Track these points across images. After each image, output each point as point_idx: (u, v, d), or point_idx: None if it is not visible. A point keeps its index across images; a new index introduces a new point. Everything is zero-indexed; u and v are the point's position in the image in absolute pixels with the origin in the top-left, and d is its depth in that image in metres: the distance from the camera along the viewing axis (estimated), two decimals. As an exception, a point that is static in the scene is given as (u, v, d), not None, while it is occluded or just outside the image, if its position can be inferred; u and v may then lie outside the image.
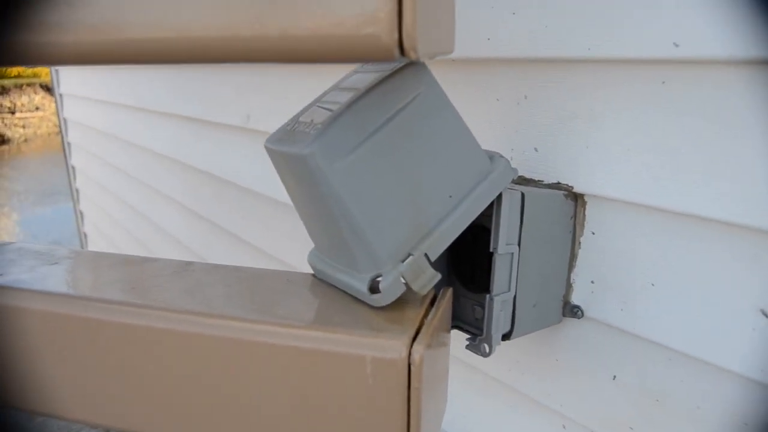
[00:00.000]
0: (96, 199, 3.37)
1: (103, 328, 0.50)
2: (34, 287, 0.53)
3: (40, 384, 0.54)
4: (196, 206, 1.89)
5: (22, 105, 15.17)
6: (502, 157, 0.57)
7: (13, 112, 14.81)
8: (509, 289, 0.62)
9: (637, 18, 0.58)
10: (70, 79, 3.37)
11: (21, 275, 0.56)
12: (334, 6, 0.35)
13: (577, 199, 0.68)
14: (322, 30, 0.35)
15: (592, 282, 0.68)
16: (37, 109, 15.30)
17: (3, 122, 14.18)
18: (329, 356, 0.45)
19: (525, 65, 0.71)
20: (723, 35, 0.52)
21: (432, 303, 0.52)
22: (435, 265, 0.52)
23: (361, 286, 0.50)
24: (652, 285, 0.63)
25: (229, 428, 0.49)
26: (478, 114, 0.78)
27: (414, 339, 0.44)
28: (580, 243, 0.69)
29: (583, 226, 0.68)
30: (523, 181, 0.73)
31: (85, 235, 3.92)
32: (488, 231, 0.60)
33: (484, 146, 0.56)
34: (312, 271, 0.59)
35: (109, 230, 3.20)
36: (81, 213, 3.86)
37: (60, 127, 3.82)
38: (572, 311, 0.70)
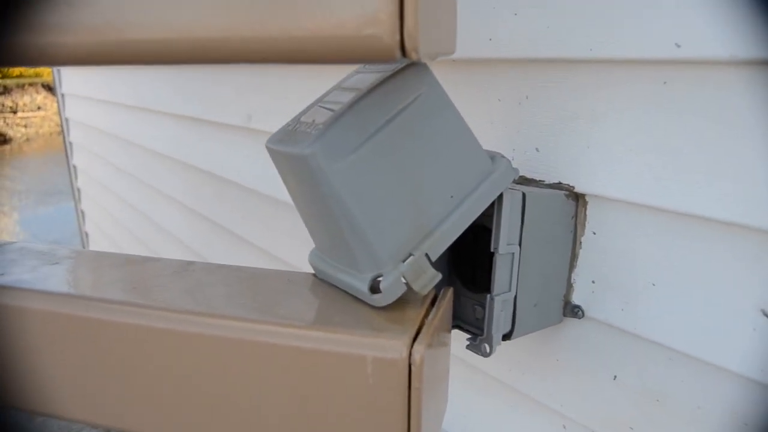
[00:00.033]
0: (97, 199, 3.37)
1: (104, 328, 0.50)
2: (36, 287, 0.53)
3: (40, 384, 0.54)
4: (197, 206, 1.89)
5: (24, 104, 15.18)
6: (503, 157, 0.57)
7: (15, 112, 14.83)
8: (510, 289, 0.62)
9: (639, 18, 0.58)
10: (72, 78, 3.38)
11: (23, 275, 0.56)
12: (335, 7, 0.35)
13: (578, 199, 0.68)
14: (324, 31, 0.35)
15: (593, 282, 0.68)
16: (39, 108, 15.32)
17: (5, 122, 14.20)
18: (330, 356, 0.45)
19: (526, 65, 0.71)
20: (724, 36, 0.52)
21: (433, 303, 0.52)
22: (436, 265, 0.52)
23: (362, 286, 0.50)
24: (653, 285, 0.63)
25: (230, 428, 0.49)
26: (479, 114, 0.78)
27: (414, 339, 0.44)
28: (581, 243, 0.69)
29: (584, 226, 0.68)
30: (524, 181, 0.73)
31: (87, 235, 3.93)
32: (489, 231, 0.60)
33: (486, 146, 0.56)
34: (313, 271, 0.59)
35: (111, 230, 3.20)
36: (82, 212, 3.87)
37: (62, 126, 3.83)
38: (573, 311, 0.70)
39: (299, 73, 1.20)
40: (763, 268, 0.54)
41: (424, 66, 0.50)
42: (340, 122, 0.47)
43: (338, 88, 0.55)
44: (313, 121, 0.50)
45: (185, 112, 1.79)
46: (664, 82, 0.58)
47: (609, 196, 0.65)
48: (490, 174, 0.55)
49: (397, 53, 0.35)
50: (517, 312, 0.64)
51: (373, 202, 0.48)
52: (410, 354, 0.43)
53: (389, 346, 0.43)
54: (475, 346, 0.62)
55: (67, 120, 3.69)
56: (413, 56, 0.35)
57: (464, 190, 0.53)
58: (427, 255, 0.51)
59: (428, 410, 0.46)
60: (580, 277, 0.70)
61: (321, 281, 0.57)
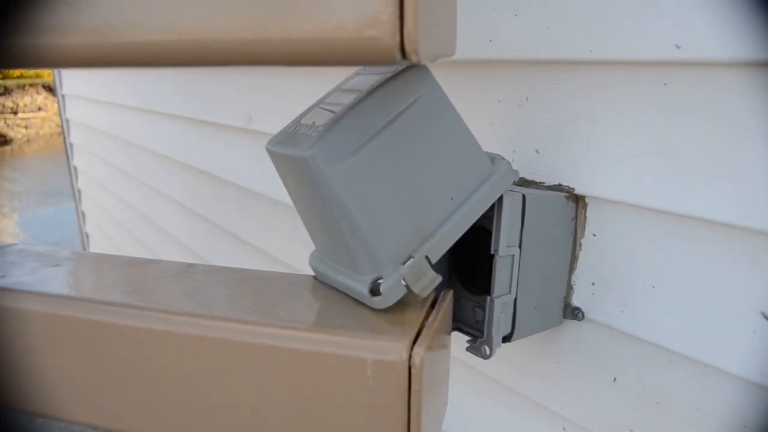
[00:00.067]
0: (98, 200, 3.37)
1: (105, 330, 0.50)
2: (36, 289, 0.53)
3: (41, 385, 0.54)
4: (196, 207, 1.89)
5: (25, 105, 15.19)
6: (503, 159, 0.57)
7: (15, 113, 14.84)
8: (510, 291, 0.62)
9: (639, 20, 0.58)
10: (72, 80, 3.38)
11: (23, 277, 0.56)
12: (336, 9, 0.35)
13: (578, 200, 0.68)
14: (324, 33, 0.35)
15: (593, 284, 0.68)
16: (39, 109, 15.33)
17: (5, 122, 14.21)
18: (330, 358, 0.45)
19: (526, 67, 0.71)
20: (724, 37, 0.52)
21: (433, 305, 0.52)
22: (436, 267, 0.52)
23: (362, 289, 0.50)
24: (653, 287, 0.63)
25: (230, 430, 0.49)
26: (479, 115, 0.78)
27: (414, 341, 0.44)
28: (581, 245, 0.69)
29: (584, 227, 0.68)
30: (524, 182, 0.73)
31: (87, 236, 3.93)
32: (489, 233, 0.60)
33: (486, 148, 0.56)
34: (313, 273, 0.59)
35: (111, 231, 3.20)
36: (83, 213, 3.87)
37: (62, 127, 3.83)
38: (573, 313, 0.70)
39: (300, 73, 1.20)
40: (762, 270, 0.54)
41: (425, 68, 0.50)
42: (340, 124, 0.47)
43: (339, 89, 0.55)
44: (313, 123, 0.50)
45: (185, 112, 1.79)
46: (664, 84, 0.58)
47: (609, 197, 0.65)
48: (491, 176, 0.55)
49: (397, 55, 0.35)
50: (517, 314, 0.64)
51: (374, 204, 0.48)
52: (410, 356, 0.43)
53: (389, 348, 0.43)
54: (475, 348, 0.62)
55: (67, 121, 3.70)
56: (413, 58, 0.35)
57: (464, 192, 0.53)
58: (427, 257, 0.51)
59: (428, 412, 0.46)
60: (580, 279, 0.70)
61: (321, 283, 0.57)
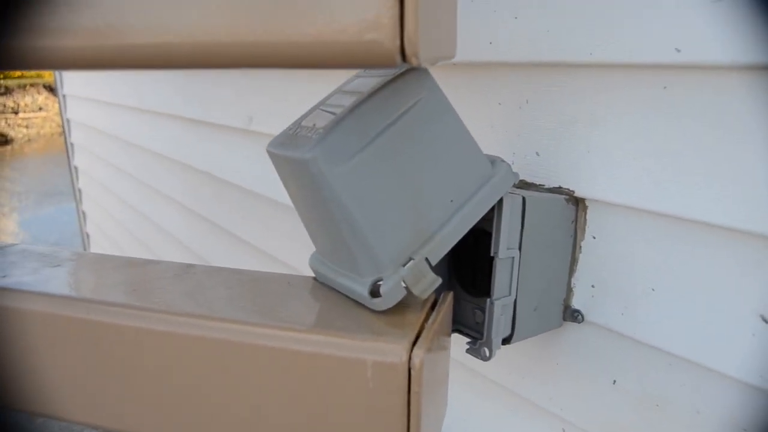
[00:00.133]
0: (99, 200, 3.37)
1: (105, 331, 0.50)
2: (37, 289, 0.54)
3: (41, 385, 0.54)
4: (197, 207, 1.89)
5: (26, 105, 15.20)
6: (503, 161, 0.57)
7: (16, 112, 14.85)
8: (510, 293, 0.62)
9: (639, 23, 0.58)
10: (73, 80, 3.39)
11: (24, 277, 0.56)
12: (336, 12, 0.35)
13: (578, 203, 0.68)
14: (324, 36, 0.35)
15: (593, 286, 0.69)
16: (40, 109, 15.34)
17: (6, 122, 14.22)
18: (330, 360, 0.45)
19: (527, 69, 0.71)
20: (725, 41, 0.52)
21: (433, 307, 0.52)
22: (436, 269, 0.52)
23: (362, 290, 0.50)
24: (653, 290, 0.63)
25: (229, 430, 0.49)
26: (480, 118, 0.78)
27: (414, 343, 0.44)
28: (581, 247, 0.69)
29: (584, 230, 0.69)
30: (524, 185, 0.73)
31: (88, 236, 3.93)
32: (489, 235, 0.60)
33: (486, 150, 0.56)
34: (313, 275, 0.59)
35: (112, 231, 3.20)
36: (84, 213, 3.87)
37: (63, 127, 3.84)
38: (573, 315, 0.70)
39: (300, 75, 1.21)
40: (762, 273, 0.54)
41: (425, 70, 0.50)
42: (341, 126, 0.47)
43: (339, 91, 0.55)
44: (314, 125, 0.50)
45: (186, 113, 1.79)
46: (664, 87, 0.58)
47: (609, 200, 0.65)
48: (491, 178, 0.55)
49: (398, 58, 0.35)
50: (517, 316, 0.64)
51: (374, 206, 0.48)
52: (410, 358, 0.43)
53: (389, 350, 0.43)
54: (474, 350, 0.62)
55: (68, 121, 3.70)
56: (413, 61, 0.35)
57: (464, 195, 0.54)
58: (427, 259, 0.51)
59: (428, 414, 0.46)
60: (580, 281, 0.70)
61: (321, 285, 0.57)
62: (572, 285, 0.70)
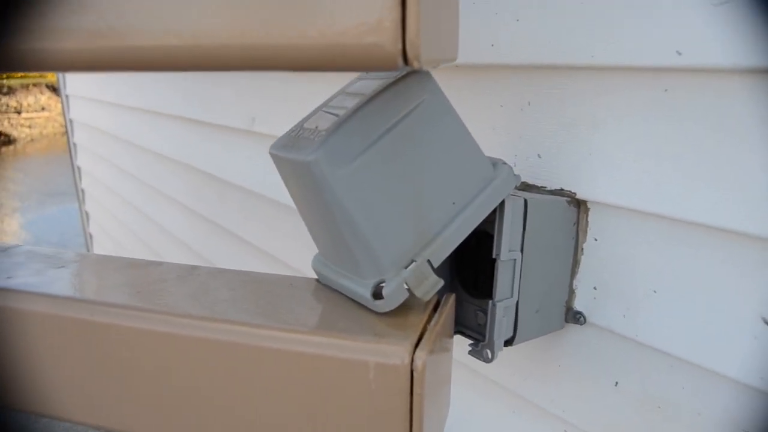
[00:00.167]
0: (101, 200, 3.38)
1: (109, 332, 0.51)
2: (42, 290, 0.54)
3: (45, 386, 0.54)
4: (199, 207, 1.90)
5: (29, 105, 15.23)
6: (505, 163, 0.57)
7: (19, 112, 14.88)
8: (512, 295, 0.62)
9: (640, 26, 0.58)
10: (76, 80, 3.39)
11: (29, 278, 0.56)
12: (338, 15, 0.35)
13: (579, 205, 0.69)
14: (326, 39, 0.35)
15: (595, 288, 0.69)
16: (43, 109, 15.36)
17: (9, 122, 14.25)
18: (332, 361, 0.45)
19: (529, 71, 0.72)
20: (725, 44, 0.52)
21: (435, 309, 0.52)
22: (438, 270, 0.52)
23: (365, 292, 0.50)
24: (654, 292, 0.63)
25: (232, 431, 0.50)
26: (482, 120, 0.78)
27: (417, 345, 0.44)
28: (582, 249, 0.69)
29: (585, 232, 0.69)
30: (526, 187, 0.73)
31: (91, 236, 3.94)
32: (492, 237, 0.60)
33: (488, 152, 0.56)
34: (316, 276, 0.59)
35: (115, 231, 3.21)
36: (86, 214, 3.88)
37: (66, 127, 3.84)
38: (575, 317, 0.70)
39: (303, 76, 1.21)
40: (763, 275, 0.54)
41: (427, 73, 0.51)
42: (343, 129, 0.47)
43: (343, 92, 0.55)
44: (316, 127, 0.50)
45: (188, 114, 1.79)
46: (665, 90, 0.58)
47: (610, 202, 0.65)
48: (492, 180, 0.55)
49: (400, 61, 0.35)
50: (519, 318, 0.64)
51: (376, 208, 0.49)
52: (412, 360, 0.43)
53: (391, 351, 0.44)
54: (477, 351, 0.63)
55: (71, 121, 3.71)
56: (415, 64, 0.36)
57: (466, 197, 0.54)
58: (429, 261, 0.51)
59: (430, 415, 0.46)
60: (581, 283, 0.70)
61: (324, 286, 0.57)
62: (574, 287, 0.71)
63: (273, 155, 0.53)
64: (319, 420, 0.46)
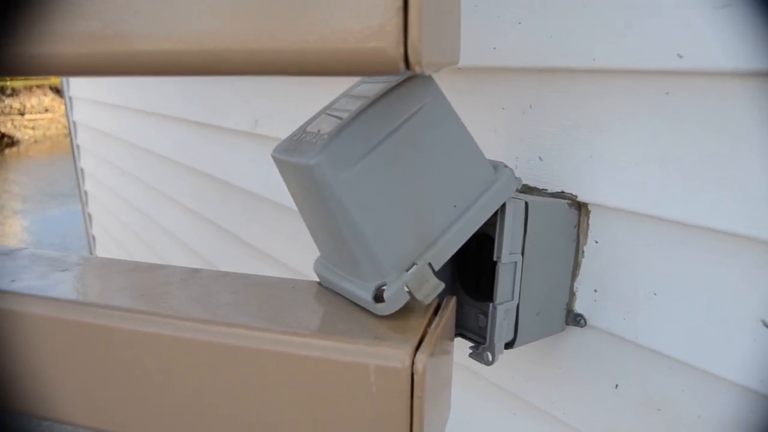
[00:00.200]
0: (104, 202, 3.39)
1: (112, 335, 0.51)
2: (46, 294, 0.54)
3: (48, 389, 0.55)
4: (202, 210, 1.90)
5: (32, 107, 15.26)
6: (506, 166, 0.57)
7: (22, 114, 14.91)
8: (512, 298, 0.62)
9: (642, 29, 0.58)
10: (79, 82, 3.40)
11: (32, 281, 0.57)
12: (340, 20, 0.35)
13: (580, 208, 0.69)
14: (328, 44, 0.36)
15: (595, 291, 0.69)
16: (46, 110, 15.39)
17: (12, 124, 14.28)
18: (333, 364, 0.45)
19: (530, 74, 0.72)
20: (727, 47, 0.52)
21: (436, 312, 0.53)
22: (439, 273, 0.52)
23: (366, 295, 0.50)
24: (655, 294, 0.63)
25: (235, 434, 0.50)
26: (483, 122, 0.78)
27: (417, 348, 0.45)
28: (583, 252, 0.69)
29: (586, 235, 0.69)
30: (527, 189, 0.73)
31: (94, 238, 3.95)
32: (493, 240, 0.60)
33: (490, 155, 0.57)
34: (317, 279, 0.59)
35: (118, 233, 3.22)
36: (90, 215, 3.89)
37: (69, 129, 3.85)
38: (575, 320, 0.71)
39: (307, 79, 1.21)
40: (763, 278, 0.55)
41: (429, 76, 0.51)
42: (345, 133, 0.47)
43: (346, 95, 0.55)
44: (319, 131, 0.50)
45: (192, 116, 1.80)
46: (667, 93, 0.58)
47: (611, 205, 0.65)
48: (493, 183, 0.55)
49: (401, 66, 0.35)
50: (520, 320, 0.64)
51: (378, 211, 0.49)
52: (413, 363, 0.43)
53: (392, 354, 0.44)
54: (477, 354, 0.63)
55: (74, 123, 3.72)
56: (417, 69, 0.36)
57: (467, 200, 0.54)
58: (430, 264, 0.51)
59: (431, 418, 0.46)
60: (582, 285, 0.70)
61: (325, 289, 0.58)
62: (575, 289, 0.71)
63: (275, 159, 0.53)
64: (320, 422, 0.46)
